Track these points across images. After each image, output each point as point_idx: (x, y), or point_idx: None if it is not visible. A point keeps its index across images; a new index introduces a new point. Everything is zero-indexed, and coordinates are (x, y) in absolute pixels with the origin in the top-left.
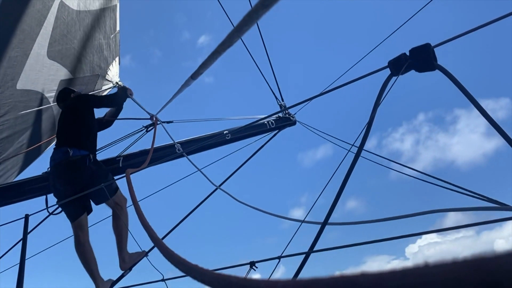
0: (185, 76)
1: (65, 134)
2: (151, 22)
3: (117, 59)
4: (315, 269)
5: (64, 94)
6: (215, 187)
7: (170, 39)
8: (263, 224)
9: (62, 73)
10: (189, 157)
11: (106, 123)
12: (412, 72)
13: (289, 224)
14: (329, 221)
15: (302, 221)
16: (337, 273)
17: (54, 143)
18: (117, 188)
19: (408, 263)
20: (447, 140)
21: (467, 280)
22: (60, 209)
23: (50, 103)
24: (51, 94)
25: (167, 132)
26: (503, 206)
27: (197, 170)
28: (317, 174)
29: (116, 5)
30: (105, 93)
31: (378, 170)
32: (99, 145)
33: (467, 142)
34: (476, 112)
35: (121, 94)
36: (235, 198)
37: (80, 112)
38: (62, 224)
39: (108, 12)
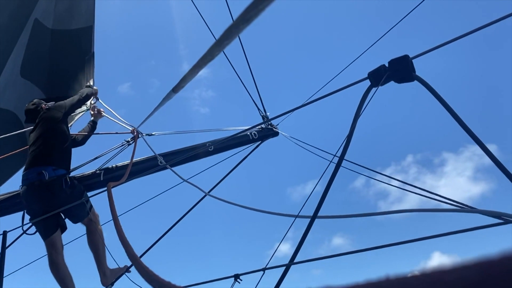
0: (178, 104)
1: (38, 151)
2: (152, 52)
3: (91, 81)
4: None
5: (35, 106)
6: (203, 194)
7: (170, 69)
8: (251, 236)
9: (36, 92)
10: (171, 169)
11: (81, 140)
12: (402, 114)
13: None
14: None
15: (296, 216)
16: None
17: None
18: (91, 206)
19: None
20: (434, 182)
21: None
22: (35, 228)
23: (22, 124)
24: (23, 114)
25: (147, 144)
26: (472, 209)
27: (182, 181)
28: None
29: (91, 26)
30: (78, 117)
31: (364, 209)
32: (80, 160)
33: (454, 185)
34: (464, 156)
35: (87, 90)
36: (225, 200)
37: (54, 126)
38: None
39: (83, 33)
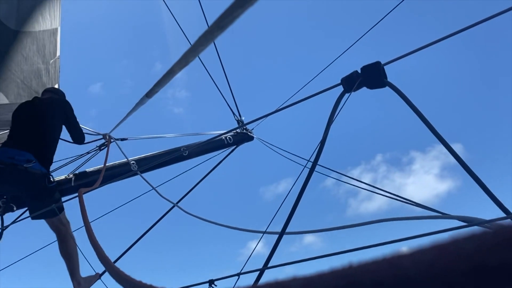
0: (153, 105)
1: (33, 135)
2: (125, 52)
3: (56, 86)
4: None
5: (57, 91)
6: (172, 205)
7: (143, 70)
8: (225, 242)
9: None
10: (144, 175)
11: None
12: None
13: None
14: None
15: (264, 232)
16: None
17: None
18: (63, 209)
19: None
20: (403, 180)
21: (385, 277)
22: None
23: None
24: None
25: (120, 149)
26: (444, 215)
27: (151, 188)
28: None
29: (57, 29)
30: None
31: (335, 207)
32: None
33: (421, 182)
34: (431, 154)
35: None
36: (193, 214)
37: (59, 119)
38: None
39: (47, 35)
